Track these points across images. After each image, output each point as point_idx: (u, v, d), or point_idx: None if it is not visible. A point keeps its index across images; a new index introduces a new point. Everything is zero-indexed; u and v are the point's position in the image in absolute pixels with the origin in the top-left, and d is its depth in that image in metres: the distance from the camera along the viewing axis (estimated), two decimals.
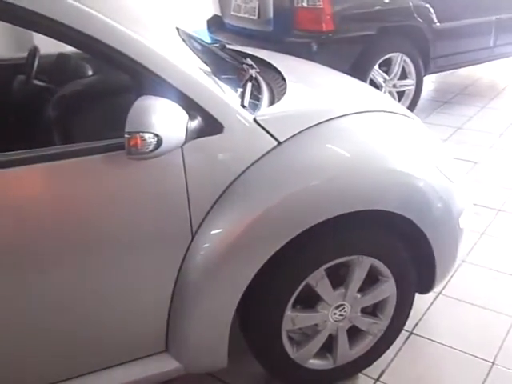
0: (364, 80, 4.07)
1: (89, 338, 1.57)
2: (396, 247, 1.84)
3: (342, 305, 1.84)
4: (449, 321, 2.35)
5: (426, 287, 2.02)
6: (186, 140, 1.40)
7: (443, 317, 2.38)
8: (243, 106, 1.61)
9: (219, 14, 4.84)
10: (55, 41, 1.38)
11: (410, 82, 4.50)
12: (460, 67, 5.10)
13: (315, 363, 1.93)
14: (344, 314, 1.86)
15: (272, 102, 1.78)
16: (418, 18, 4.27)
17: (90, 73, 2.24)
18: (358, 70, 4.00)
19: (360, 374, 2.07)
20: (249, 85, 1.78)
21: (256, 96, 1.79)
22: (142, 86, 1.43)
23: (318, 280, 1.74)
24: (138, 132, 1.29)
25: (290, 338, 1.85)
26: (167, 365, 1.67)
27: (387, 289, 1.89)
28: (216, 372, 2.00)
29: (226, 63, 2.11)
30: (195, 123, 1.43)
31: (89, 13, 1.38)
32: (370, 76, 4.26)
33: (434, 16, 4.35)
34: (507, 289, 2.53)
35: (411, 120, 2.08)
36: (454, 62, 4.82)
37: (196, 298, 1.58)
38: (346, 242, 1.76)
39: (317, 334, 1.86)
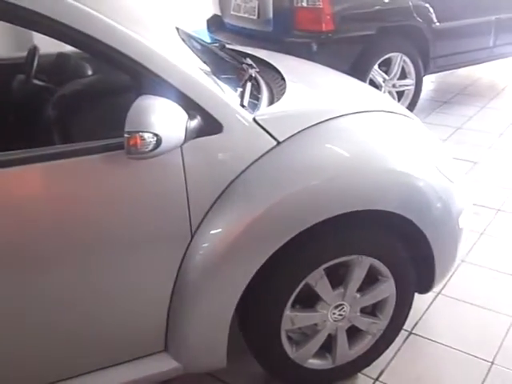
0: (364, 80, 4.07)
1: (88, 338, 1.57)
2: (395, 247, 1.84)
3: (341, 304, 1.84)
4: (448, 321, 2.35)
5: (425, 287, 2.02)
6: (186, 140, 1.40)
7: (442, 317, 2.38)
8: (243, 106, 1.61)
9: (219, 14, 4.84)
10: (55, 40, 1.38)
11: (410, 81, 4.50)
12: (460, 67, 5.10)
13: (314, 363, 1.93)
14: (343, 313, 1.86)
15: (271, 102, 1.78)
16: (418, 18, 4.27)
17: (90, 72, 2.24)
18: (358, 70, 4.00)
19: (359, 374, 2.07)
20: (248, 84, 1.78)
21: (255, 96, 1.79)
22: (141, 85, 1.43)
23: (318, 280, 1.74)
24: (138, 132, 1.29)
25: (290, 338, 1.85)
26: (166, 364, 1.67)
27: (386, 289, 1.89)
28: (215, 372, 2.00)
29: (226, 63, 2.11)
30: (195, 123, 1.43)
31: (89, 13, 1.38)
32: (370, 76, 4.26)
33: (433, 16, 4.35)
34: (507, 289, 2.54)
35: (411, 120, 2.08)
36: (453, 62, 4.82)
37: (195, 298, 1.58)
38: (345, 242, 1.76)
39: (316, 333, 1.86)
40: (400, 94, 4.53)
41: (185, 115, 1.40)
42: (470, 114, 4.77)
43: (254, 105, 1.71)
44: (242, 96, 1.67)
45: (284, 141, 1.61)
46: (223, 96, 1.55)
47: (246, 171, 1.55)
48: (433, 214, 1.83)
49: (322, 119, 1.72)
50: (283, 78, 2.02)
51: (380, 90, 4.27)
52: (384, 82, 4.37)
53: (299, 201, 1.60)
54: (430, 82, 5.58)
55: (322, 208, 1.63)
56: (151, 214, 1.49)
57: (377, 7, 4.14)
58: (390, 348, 2.07)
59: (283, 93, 1.85)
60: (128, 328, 1.60)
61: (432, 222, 1.83)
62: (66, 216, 1.41)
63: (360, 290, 1.86)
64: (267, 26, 4.20)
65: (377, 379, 2.06)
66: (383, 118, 1.98)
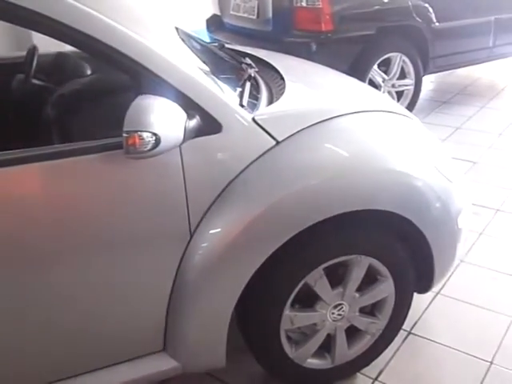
0: (363, 80, 4.07)
1: (86, 337, 1.56)
2: (394, 247, 1.84)
3: (340, 304, 1.84)
4: (447, 320, 2.35)
5: (424, 287, 2.02)
6: (185, 139, 1.40)
7: (442, 316, 2.38)
8: (242, 106, 1.61)
9: (218, 14, 4.84)
10: (54, 40, 1.38)
11: (409, 81, 4.50)
12: (459, 67, 5.10)
13: (313, 363, 1.93)
14: (342, 313, 1.86)
15: (271, 102, 1.78)
16: (417, 18, 4.27)
17: (89, 72, 2.24)
18: (357, 70, 4.00)
19: (358, 374, 2.07)
20: (247, 84, 1.78)
21: (255, 95, 1.79)
22: (140, 85, 1.43)
23: (317, 279, 1.74)
24: (136, 131, 1.29)
25: (289, 338, 1.85)
26: (165, 364, 1.67)
27: (385, 288, 1.89)
28: (214, 371, 2.00)
29: (225, 63, 2.11)
30: (193, 122, 1.43)
31: (88, 12, 1.38)
32: (369, 76, 4.26)
33: (433, 16, 4.35)
34: (506, 289, 2.54)
35: (410, 120, 2.08)
36: (453, 62, 4.82)
37: (194, 298, 1.58)
38: (344, 242, 1.76)
39: (315, 333, 1.87)
40: (399, 94, 4.54)
41: (184, 115, 1.40)
42: (469, 114, 4.78)
43: (253, 104, 1.71)
44: (241, 96, 1.67)
45: (283, 140, 1.61)
46: (222, 96, 1.55)
47: (245, 171, 1.55)
48: (432, 213, 1.83)
49: (321, 119, 1.72)
50: (282, 78, 2.01)
51: (379, 90, 4.27)
52: (383, 81, 4.38)
53: (298, 200, 1.60)
54: (429, 81, 5.59)
55: (320, 208, 1.63)
56: (150, 214, 1.49)
57: (376, 7, 4.14)
58: (389, 348, 2.07)
59: (282, 92, 1.85)
60: (127, 327, 1.60)
61: (431, 222, 1.83)
62: (65, 215, 1.41)
63: (359, 289, 1.86)
64: (266, 25, 4.20)
65: (376, 379, 2.06)
66: (382, 118, 1.98)
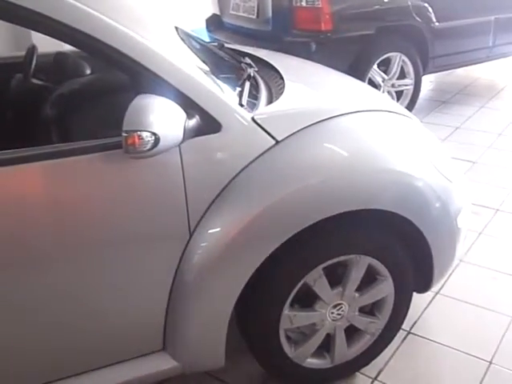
0: (363, 79, 4.07)
1: (86, 336, 1.56)
2: (394, 246, 1.84)
3: (339, 304, 1.84)
4: (447, 320, 2.35)
5: (423, 286, 2.02)
6: (184, 139, 1.40)
7: (441, 316, 2.38)
8: (241, 105, 1.61)
9: (218, 13, 4.84)
10: (53, 39, 1.38)
11: (409, 81, 4.50)
12: (459, 67, 5.10)
13: (313, 362, 1.93)
14: (342, 313, 1.86)
15: (270, 101, 1.78)
16: (417, 18, 4.27)
17: (88, 71, 2.24)
18: (357, 70, 4.00)
19: (358, 373, 2.07)
20: (247, 84, 1.78)
21: (254, 95, 1.79)
22: (139, 84, 1.43)
23: (316, 279, 1.74)
24: (136, 131, 1.29)
25: (288, 337, 1.85)
26: (164, 364, 1.67)
27: (385, 288, 1.89)
28: (214, 371, 2.00)
29: (225, 62, 2.11)
30: (193, 122, 1.43)
31: (89, 12, 1.38)
32: (369, 75, 4.25)
33: (432, 15, 4.35)
34: (505, 288, 2.54)
35: (410, 119, 2.08)
36: (452, 62, 4.82)
37: (194, 297, 1.58)
38: (343, 242, 1.76)
39: (314, 333, 1.86)
40: (399, 94, 4.54)
41: (183, 114, 1.40)
42: (468, 113, 4.78)
43: (253, 104, 1.71)
44: (240, 95, 1.67)
45: (282, 140, 1.61)
46: (222, 95, 1.55)
47: (245, 170, 1.55)
48: (431, 213, 1.83)
49: (321, 118, 1.72)
50: (282, 78, 2.01)
51: (379, 90, 4.27)
52: (383, 81, 4.37)
53: (297, 200, 1.60)
54: (428, 81, 5.59)
55: (319, 207, 1.63)
56: (149, 213, 1.48)
57: (376, 7, 4.14)
58: (389, 347, 2.07)
59: (282, 92, 1.85)
60: (126, 327, 1.60)
61: (430, 222, 1.83)
62: (64, 215, 1.41)
63: (358, 289, 1.86)
64: (266, 25, 4.19)
65: (375, 378, 2.06)
66: (382, 118, 1.98)
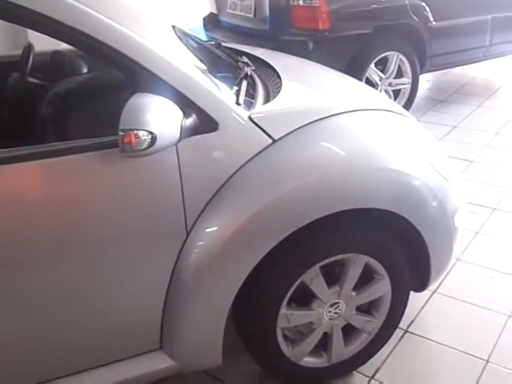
0: (360, 78, 4.07)
1: (83, 336, 1.56)
2: (391, 245, 1.84)
3: (336, 303, 1.84)
4: (444, 319, 2.36)
5: (421, 285, 2.03)
6: (181, 138, 1.40)
7: (438, 315, 2.38)
8: (238, 104, 1.61)
9: (215, 12, 4.84)
10: (50, 38, 1.38)
11: (406, 80, 4.50)
12: (456, 66, 5.11)
13: (310, 361, 1.93)
14: (339, 312, 1.86)
15: (267, 100, 1.78)
16: (414, 17, 4.27)
17: (85, 70, 2.23)
18: (354, 69, 4.00)
19: (355, 372, 2.07)
20: (244, 83, 1.78)
21: (251, 94, 1.79)
22: (136, 83, 1.43)
23: (313, 278, 1.74)
24: (132, 129, 1.29)
25: (285, 336, 1.85)
26: (162, 363, 1.67)
27: (382, 287, 1.89)
28: (211, 369, 2.00)
29: (222, 61, 2.11)
30: (190, 121, 1.43)
31: (87, 12, 1.37)
32: (366, 74, 4.25)
33: (429, 15, 4.36)
34: (502, 287, 2.54)
35: (407, 118, 2.08)
36: (449, 61, 4.82)
37: (191, 296, 1.58)
38: (340, 240, 1.76)
39: (312, 332, 1.86)
40: (396, 93, 4.54)
41: (180, 113, 1.40)
42: (466, 112, 4.78)
43: (250, 103, 1.71)
44: (237, 94, 1.67)
45: (279, 139, 1.61)
46: (219, 94, 1.55)
47: (242, 169, 1.55)
48: (428, 212, 1.83)
49: (318, 117, 1.72)
50: (279, 76, 2.01)
51: (376, 89, 4.27)
52: (380, 80, 4.37)
53: (294, 199, 1.60)
54: (426, 80, 5.59)
55: (317, 206, 1.63)
56: (146, 212, 1.48)
57: (373, 6, 4.14)
58: (386, 346, 2.07)
59: (279, 91, 1.85)
60: (123, 326, 1.60)
61: (427, 221, 1.83)
62: (61, 214, 1.41)
63: (356, 288, 1.86)
64: (263, 24, 4.19)
65: (372, 377, 2.06)
66: (379, 117, 1.98)
